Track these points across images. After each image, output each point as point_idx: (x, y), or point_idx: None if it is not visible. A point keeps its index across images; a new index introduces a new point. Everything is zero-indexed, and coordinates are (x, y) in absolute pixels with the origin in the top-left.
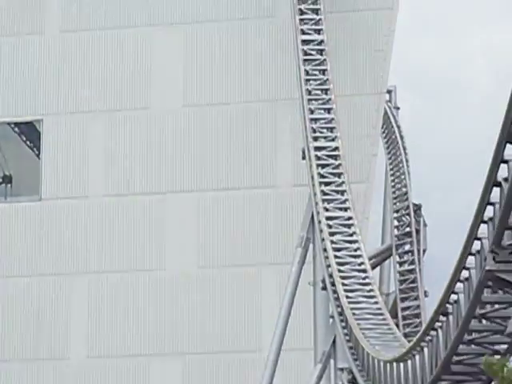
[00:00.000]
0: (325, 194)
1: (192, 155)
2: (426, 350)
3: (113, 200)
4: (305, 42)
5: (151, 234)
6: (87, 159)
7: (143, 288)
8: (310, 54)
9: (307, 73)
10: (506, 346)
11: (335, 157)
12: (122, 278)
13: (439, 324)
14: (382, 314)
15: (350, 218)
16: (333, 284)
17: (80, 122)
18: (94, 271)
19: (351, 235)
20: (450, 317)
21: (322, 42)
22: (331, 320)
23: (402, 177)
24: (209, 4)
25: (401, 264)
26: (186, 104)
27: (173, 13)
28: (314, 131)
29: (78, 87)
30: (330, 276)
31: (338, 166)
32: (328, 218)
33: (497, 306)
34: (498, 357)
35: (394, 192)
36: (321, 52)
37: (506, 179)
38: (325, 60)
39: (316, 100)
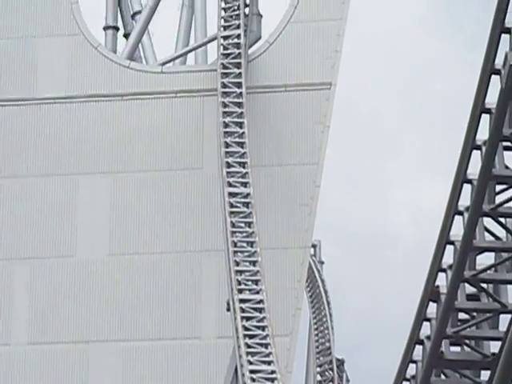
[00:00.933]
0: (249, 346)
1: (114, 304)
2: None
3: None
4: (231, 194)
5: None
6: None
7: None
8: (237, 207)
9: (233, 225)
10: None
11: (260, 309)
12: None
13: None
14: None
15: (273, 372)
16: None
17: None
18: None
19: None
20: None
21: (248, 194)
22: None
23: (326, 331)
24: (135, 154)
25: None
26: (112, 253)
27: (99, 161)
28: (239, 283)
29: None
30: None
31: (262, 319)
32: (252, 372)
33: None
34: None
35: (317, 346)
36: (247, 205)
37: (428, 337)
38: (251, 213)
39: (241, 252)
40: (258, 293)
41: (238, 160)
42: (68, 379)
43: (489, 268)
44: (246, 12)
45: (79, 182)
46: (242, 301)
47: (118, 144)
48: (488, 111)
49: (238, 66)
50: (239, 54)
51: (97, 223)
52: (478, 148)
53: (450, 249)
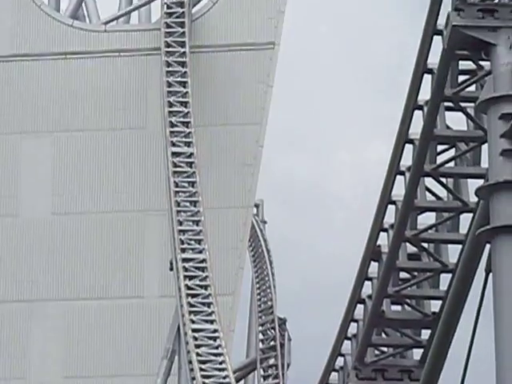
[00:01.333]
0: (191, 305)
1: (58, 264)
2: None
3: None
4: (175, 154)
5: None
6: None
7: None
8: (180, 166)
9: (176, 185)
10: None
11: (202, 269)
12: None
13: None
14: None
15: (215, 331)
16: None
17: None
18: None
19: (217, 348)
20: None
21: (191, 154)
22: None
23: (268, 290)
24: (78, 113)
25: (265, 378)
26: (55, 212)
27: (41, 121)
28: (183, 242)
29: None
30: None
31: (205, 278)
32: (194, 330)
33: None
34: None
35: (259, 305)
36: (190, 164)
37: (369, 296)
38: (194, 172)
39: (185, 212)
40: (200, 252)
41: (182, 120)
42: (10, 339)
43: (430, 228)
44: None
45: (22, 141)
46: (184, 260)
47: (61, 103)
48: (430, 71)
49: (182, 25)
50: (183, 13)
51: (40, 182)
52: (420, 108)
53: (391, 209)
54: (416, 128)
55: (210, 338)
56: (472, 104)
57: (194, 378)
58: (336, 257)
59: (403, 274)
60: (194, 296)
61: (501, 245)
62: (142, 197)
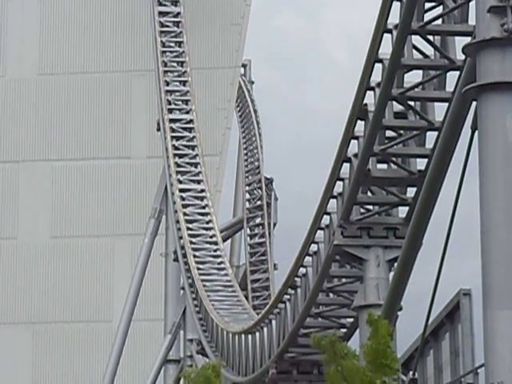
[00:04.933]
0: (178, 166)
1: (45, 125)
2: (273, 322)
3: None
4: (161, 13)
5: (4, 203)
6: None
7: None
8: (167, 26)
9: (163, 44)
10: (351, 320)
11: (190, 129)
12: None
13: (287, 297)
14: (231, 286)
15: (202, 191)
16: (184, 256)
17: None
18: None
19: (204, 207)
20: (298, 290)
21: (178, 14)
22: (182, 291)
23: (255, 151)
24: None
25: (251, 237)
26: (41, 73)
27: None
28: (170, 103)
29: None
30: (182, 248)
31: (192, 139)
32: (181, 190)
33: (344, 280)
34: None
35: (246, 165)
36: (177, 24)
37: (355, 155)
38: (181, 32)
39: (172, 72)
40: (188, 113)
41: None
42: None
43: (416, 86)
44: None
45: None
46: (172, 121)
47: None
48: None
49: None
50: None
51: None
52: None
53: (378, 67)
54: None
55: (197, 197)
56: None
57: (181, 237)
58: (324, 116)
59: (389, 133)
60: (181, 156)
61: (487, 102)
62: (128, 57)
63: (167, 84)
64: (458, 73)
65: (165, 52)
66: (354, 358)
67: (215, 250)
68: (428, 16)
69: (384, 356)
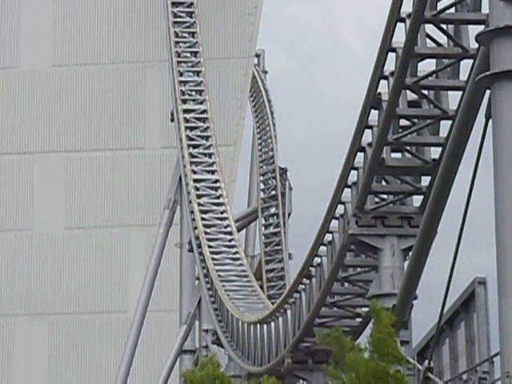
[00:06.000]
0: (193, 156)
1: (60, 116)
2: (289, 312)
3: None
4: (174, 4)
5: (19, 194)
6: None
7: (10, 248)
8: (180, 17)
9: (177, 35)
10: (366, 309)
11: (203, 119)
12: None
13: (302, 286)
14: (246, 276)
15: (217, 181)
16: (199, 246)
17: None
18: None
19: (218, 198)
20: (313, 280)
21: (191, 4)
22: (197, 282)
23: (269, 140)
24: None
25: (266, 227)
26: (55, 64)
27: None
28: (183, 94)
29: None
30: (197, 238)
31: (206, 129)
32: (195, 181)
33: (359, 270)
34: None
35: (260, 155)
36: (190, 14)
37: (369, 144)
38: (194, 22)
39: (185, 62)
40: (201, 103)
41: None
42: (14, 191)
43: (430, 74)
44: None
45: None
46: (185, 111)
47: None
48: None
49: None
50: None
51: None
52: None
53: (392, 56)
54: None
55: (211, 188)
56: None
57: (195, 228)
58: (339, 106)
59: (403, 122)
60: (195, 147)
61: (500, 90)
62: (142, 48)
63: (181, 74)
64: (471, 61)
65: (178, 42)
66: (360, 351)
67: (230, 240)
68: (441, 4)
69: (385, 345)
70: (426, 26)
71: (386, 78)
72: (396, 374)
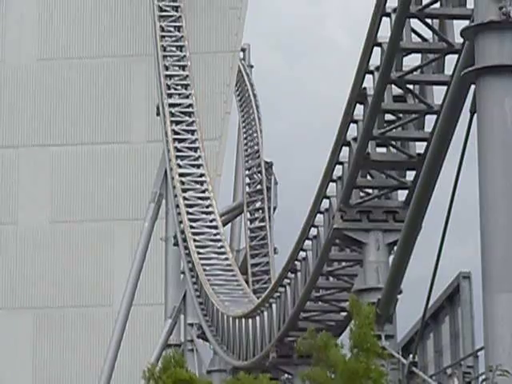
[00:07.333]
0: (178, 150)
1: (45, 110)
2: (274, 306)
3: None
4: None
5: (4, 188)
6: None
7: None
8: (166, 11)
9: (162, 29)
10: None
11: (189, 114)
12: None
13: (287, 281)
14: (232, 271)
15: (202, 175)
16: (184, 240)
17: None
18: None
19: (203, 192)
20: (299, 274)
21: None
22: (182, 276)
23: (255, 135)
24: None
25: (251, 221)
26: (41, 58)
27: None
28: (169, 88)
29: None
30: (182, 232)
31: (191, 123)
32: (181, 175)
33: (344, 264)
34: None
35: (246, 150)
36: (176, 8)
37: (355, 139)
38: (180, 17)
39: (171, 56)
40: (187, 97)
41: None
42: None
43: (415, 69)
44: None
45: None
46: (171, 105)
47: None
48: None
49: None
50: None
51: None
52: None
53: (377, 51)
54: None
55: (196, 182)
56: None
57: (181, 222)
58: (324, 100)
59: (388, 116)
60: (180, 141)
61: (485, 85)
62: (127, 42)
63: (166, 68)
64: (456, 56)
65: (164, 37)
66: (336, 346)
67: (215, 235)
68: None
69: (364, 340)
70: (412, 20)
71: (371, 72)
72: (375, 370)
